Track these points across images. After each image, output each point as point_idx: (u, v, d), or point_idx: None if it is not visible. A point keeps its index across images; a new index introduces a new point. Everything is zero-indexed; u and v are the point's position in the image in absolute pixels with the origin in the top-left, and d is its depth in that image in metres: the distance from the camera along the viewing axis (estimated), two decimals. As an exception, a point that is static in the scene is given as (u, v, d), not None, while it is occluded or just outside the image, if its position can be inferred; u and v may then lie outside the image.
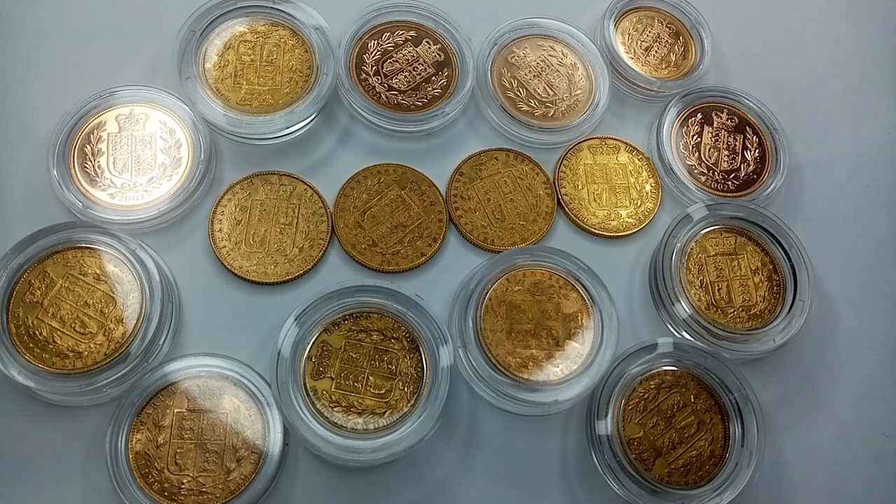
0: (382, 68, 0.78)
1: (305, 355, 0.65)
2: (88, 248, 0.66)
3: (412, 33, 0.80)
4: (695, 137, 0.80)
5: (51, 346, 0.62)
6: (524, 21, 0.82)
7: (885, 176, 0.84)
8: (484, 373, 0.66)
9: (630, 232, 0.76)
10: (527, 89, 0.79)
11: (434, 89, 0.77)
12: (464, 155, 0.77)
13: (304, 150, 0.76)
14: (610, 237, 0.76)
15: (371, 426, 0.63)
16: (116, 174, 0.70)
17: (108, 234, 0.66)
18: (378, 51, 0.78)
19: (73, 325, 0.63)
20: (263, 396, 0.64)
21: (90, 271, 0.65)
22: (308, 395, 0.64)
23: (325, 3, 0.78)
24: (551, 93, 0.80)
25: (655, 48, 0.84)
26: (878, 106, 0.87)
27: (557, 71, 0.81)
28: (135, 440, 0.62)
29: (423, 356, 0.66)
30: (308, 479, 0.65)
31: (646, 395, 0.68)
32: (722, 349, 0.70)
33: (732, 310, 0.72)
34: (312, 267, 0.70)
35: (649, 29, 0.85)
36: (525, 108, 0.78)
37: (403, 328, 0.67)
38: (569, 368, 0.67)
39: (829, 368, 0.74)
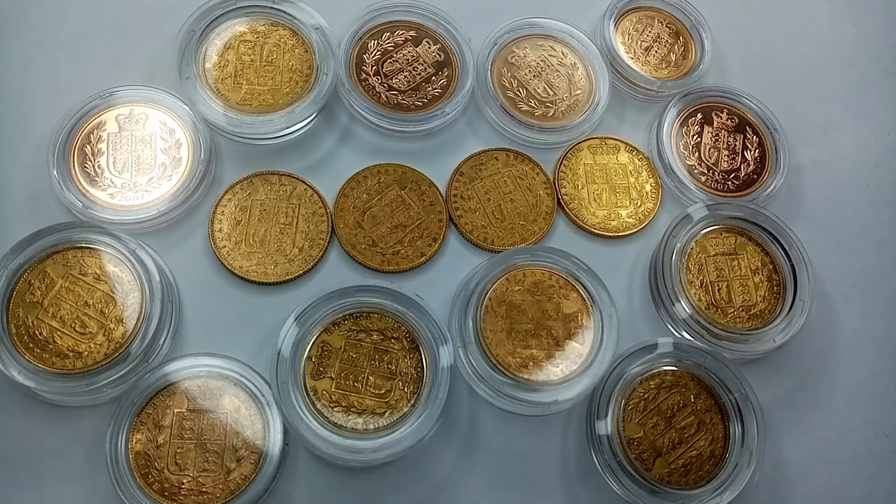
0: (382, 68, 0.78)
1: (305, 355, 0.65)
2: (88, 248, 0.66)
3: (412, 33, 0.80)
4: (695, 137, 0.80)
5: (51, 346, 0.62)
6: (524, 21, 0.82)
7: (885, 176, 0.84)
8: (484, 373, 0.66)
9: (630, 232, 0.76)
10: (527, 89, 0.79)
11: (434, 89, 0.77)
12: (464, 155, 0.77)
13: (304, 150, 0.75)
14: (610, 237, 0.76)
15: (371, 426, 0.63)
16: (116, 174, 0.70)
17: (108, 234, 0.66)
18: (378, 51, 0.78)
19: (73, 325, 0.63)
20: (263, 396, 0.64)
21: (90, 271, 0.65)
22: (308, 395, 0.64)
23: (325, 3, 0.78)
24: (551, 93, 0.80)
25: (655, 48, 0.84)
26: (878, 106, 0.87)
27: (557, 71, 0.81)
28: (135, 440, 0.62)
29: (423, 356, 0.66)
30: (308, 479, 0.65)
31: (646, 395, 0.68)
32: (722, 349, 0.70)
33: (732, 310, 0.72)
34: (312, 267, 0.70)
35: (649, 29, 0.85)
36: (525, 108, 0.78)
37: (403, 328, 0.67)
38: (569, 368, 0.67)
39: (829, 368, 0.74)
